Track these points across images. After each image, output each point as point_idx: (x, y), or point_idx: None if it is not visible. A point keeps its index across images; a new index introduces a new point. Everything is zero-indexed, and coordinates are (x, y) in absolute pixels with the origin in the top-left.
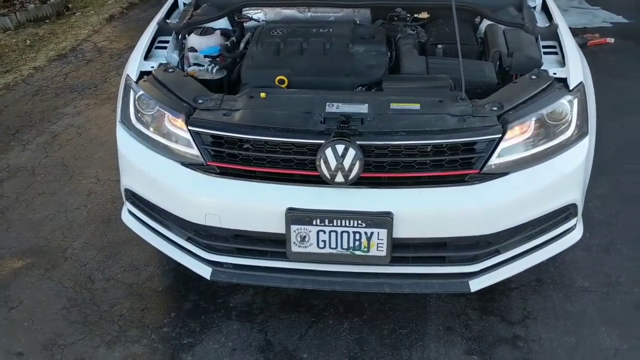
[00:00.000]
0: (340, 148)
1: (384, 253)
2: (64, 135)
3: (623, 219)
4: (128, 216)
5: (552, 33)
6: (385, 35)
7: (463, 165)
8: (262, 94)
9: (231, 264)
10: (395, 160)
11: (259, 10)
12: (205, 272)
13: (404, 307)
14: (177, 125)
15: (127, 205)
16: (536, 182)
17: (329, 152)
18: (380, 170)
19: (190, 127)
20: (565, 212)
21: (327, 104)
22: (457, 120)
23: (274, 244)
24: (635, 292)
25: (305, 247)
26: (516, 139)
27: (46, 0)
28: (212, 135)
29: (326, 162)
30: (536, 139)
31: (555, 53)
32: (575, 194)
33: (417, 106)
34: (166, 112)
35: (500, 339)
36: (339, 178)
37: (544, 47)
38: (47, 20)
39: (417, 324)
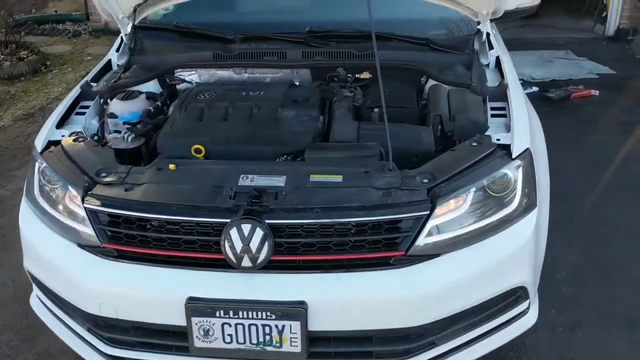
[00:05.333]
0: (246, 228)
1: (298, 349)
2: (10, 200)
3: (593, 293)
4: (36, 301)
5: (502, 93)
6: (321, 97)
7: (387, 246)
8: (172, 166)
9: (131, 359)
10: (309, 241)
11: (193, 72)
12: None
13: None
14: (75, 202)
15: (35, 290)
16: (475, 264)
17: (233, 232)
18: (293, 252)
19: (85, 205)
20: (513, 296)
21: (242, 176)
22: (381, 194)
23: (177, 338)
24: None
25: (210, 341)
26: (450, 214)
27: (24, 57)
28: (109, 214)
29: (231, 244)
30: (474, 215)
31: (505, 115)
32: (523, 276)
33: (339, 178)
34: (68, 187)
35: None
36: (246, 262)
37: (493, 108)
38: (23, 78)
39: None
